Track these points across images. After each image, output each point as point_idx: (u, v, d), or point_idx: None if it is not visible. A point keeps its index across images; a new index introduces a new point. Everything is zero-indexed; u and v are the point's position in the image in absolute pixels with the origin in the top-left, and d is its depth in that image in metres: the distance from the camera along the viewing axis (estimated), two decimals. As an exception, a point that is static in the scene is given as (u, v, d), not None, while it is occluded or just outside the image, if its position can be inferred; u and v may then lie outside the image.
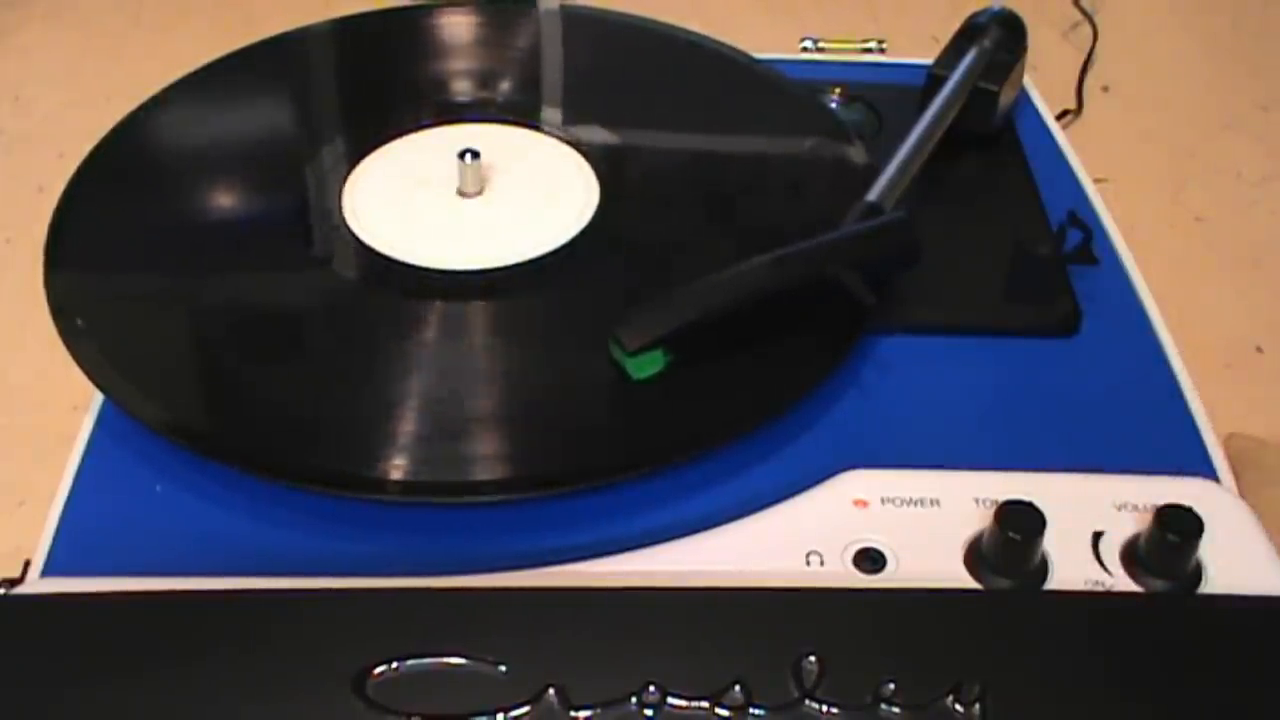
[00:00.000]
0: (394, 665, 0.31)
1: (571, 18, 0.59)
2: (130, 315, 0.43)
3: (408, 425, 0.40)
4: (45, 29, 1.03)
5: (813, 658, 0.32)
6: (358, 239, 0.46)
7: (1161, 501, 0.35)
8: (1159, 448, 0.41)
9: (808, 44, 0.61)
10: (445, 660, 0.31)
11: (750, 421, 0.40)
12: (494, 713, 0.30)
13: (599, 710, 0.31)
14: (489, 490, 0.38)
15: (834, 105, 0.56)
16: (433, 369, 0.42)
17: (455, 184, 0.48)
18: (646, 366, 0.40)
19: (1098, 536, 0.36)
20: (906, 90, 0.55)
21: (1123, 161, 0.88)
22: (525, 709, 0.31)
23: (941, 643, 0.32)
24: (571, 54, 0.58)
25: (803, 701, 0.31)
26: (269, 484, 0.38)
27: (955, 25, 0.55)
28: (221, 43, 0.56)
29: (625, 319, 0.40)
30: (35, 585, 0.35)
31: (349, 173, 0.49)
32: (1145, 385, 0.43)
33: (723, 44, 0.56)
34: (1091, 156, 0.55)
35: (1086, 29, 1.00)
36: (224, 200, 0.49)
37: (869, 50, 0.61)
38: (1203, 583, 0.35)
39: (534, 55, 0.57)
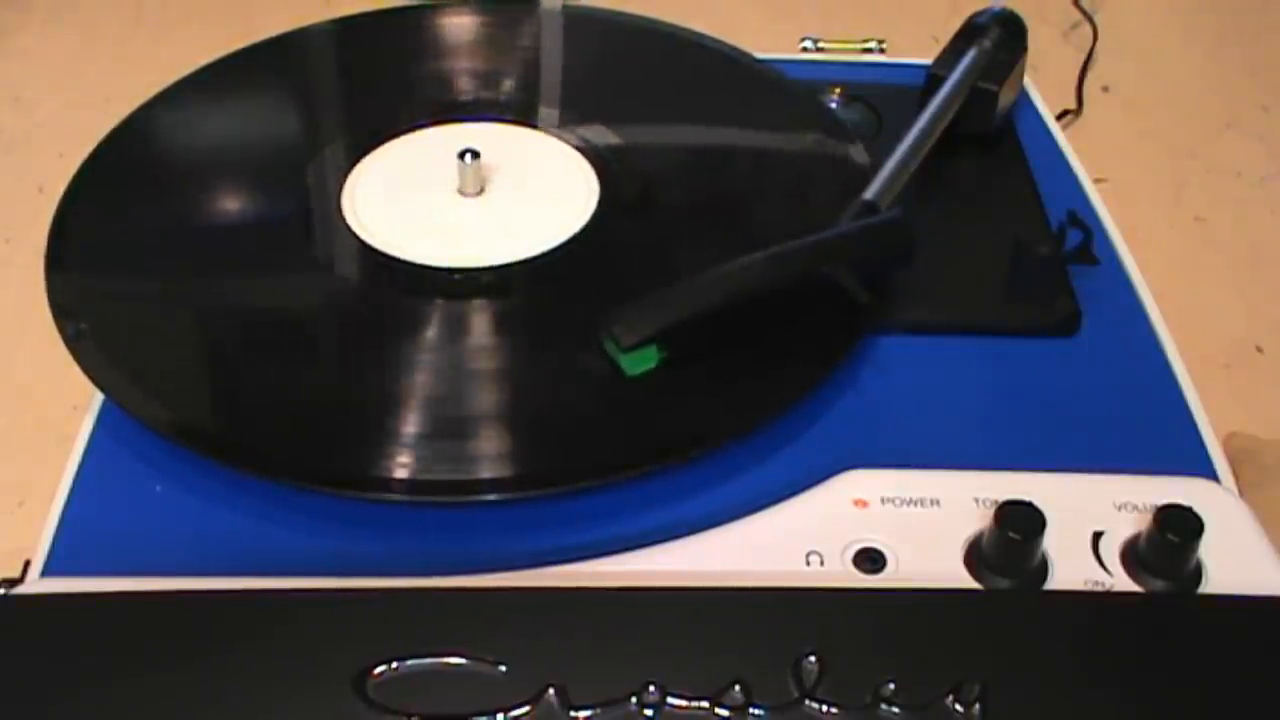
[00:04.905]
0: (394, 665, 0.31)
1: (572, 18, 0.59)
2: (130, 315, 0.43)
3: (407, 424, 0.40)
4: (46, 30, 1.03)
5: (813, 658, 0.32)
6: (358, 238, 0.46)
7: (1161, 501, 0.35)
8: (1159, 448, 0.41)
9: (808, 44, 0.61)
10: (445, 660, 0.31)
11: (750, 421, 0.40)
12: (494, 713, 0.30)
13: (599, 710, 0.31)
14: (489, 490, 0.38)
15: (834, 105, 0.56)
16: (432, 368, 0.42)
17: (455, 184, 0.48)
18: (641, 363, 0.40)
19: (1098, 536, 0.36)
20: (906, 90, 0.55)
21: (1123, 161, 0.88)
22: (525, 709, 0.31)
23: (941, 643, 0.32)
24: (572, 54, 0.58)
25: (803, 701, 0.31)
26: (269, 484, 0.38)
27: (955, 25, 0.55)
28: (221, 43, 0.56)
29: (620, 315, 0.40)
30: (35, 585, 0.35)
31: (349, 172, 0.49)
32: (1145, 385, 0.43)
33: (723, 43, 0.56)
34: (1091, 156, 0.55)
35: (1086, 29, 1.00)
36: (224, 200, 0.49)
37: (869, 50, 0.61)
38: (1203, 583, 0.35)
39: (534, 55, 0.57)
